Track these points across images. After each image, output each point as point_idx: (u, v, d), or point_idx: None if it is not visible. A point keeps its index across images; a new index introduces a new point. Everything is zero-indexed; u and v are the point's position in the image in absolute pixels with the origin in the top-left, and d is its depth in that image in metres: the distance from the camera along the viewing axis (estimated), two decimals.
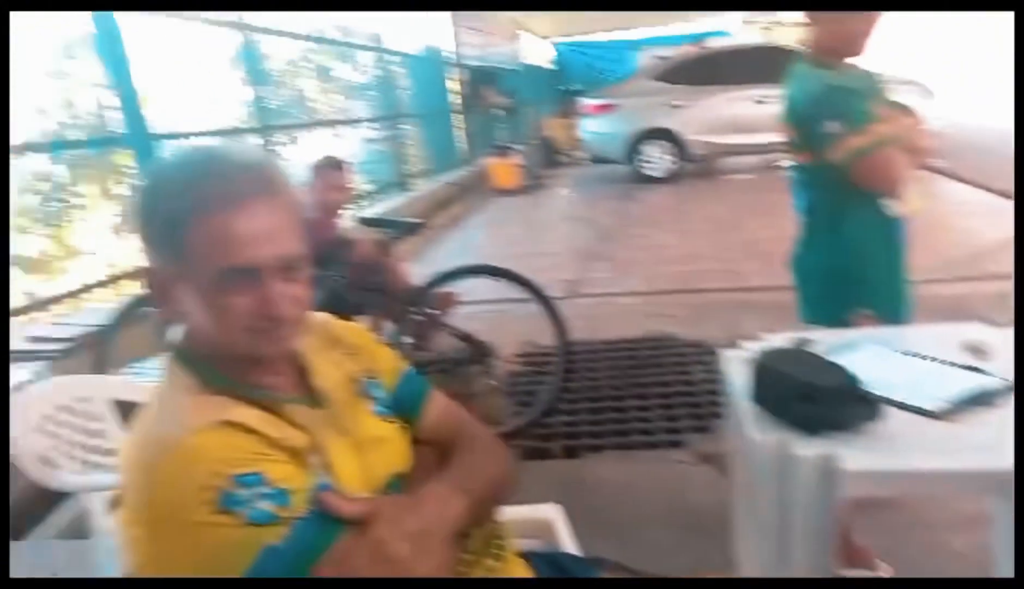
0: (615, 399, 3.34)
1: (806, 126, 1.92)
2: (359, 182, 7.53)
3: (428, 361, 3.11)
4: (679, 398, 3.28)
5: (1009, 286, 4.26)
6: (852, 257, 1.97)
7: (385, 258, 3.25)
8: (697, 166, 10.26)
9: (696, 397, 3.26)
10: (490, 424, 2.79)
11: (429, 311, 3.18)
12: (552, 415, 3.18)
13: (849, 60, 1.93)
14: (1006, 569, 1.82)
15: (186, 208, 0.85)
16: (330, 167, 3.34)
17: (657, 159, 9.75)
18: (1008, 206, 6.41)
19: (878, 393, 1.31)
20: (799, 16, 2.05)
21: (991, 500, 1.84)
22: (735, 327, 3.82)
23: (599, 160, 10.80)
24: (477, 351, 3.14)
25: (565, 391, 3.22)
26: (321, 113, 7.32)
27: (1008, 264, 4.75)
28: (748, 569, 1.60)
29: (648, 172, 9.79)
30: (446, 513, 0.91)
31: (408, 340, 3.19)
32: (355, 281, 3.17)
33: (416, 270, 3.81)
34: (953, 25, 12.93)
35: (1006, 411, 1.27)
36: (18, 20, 3.51)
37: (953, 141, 5.96)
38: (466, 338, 3.14)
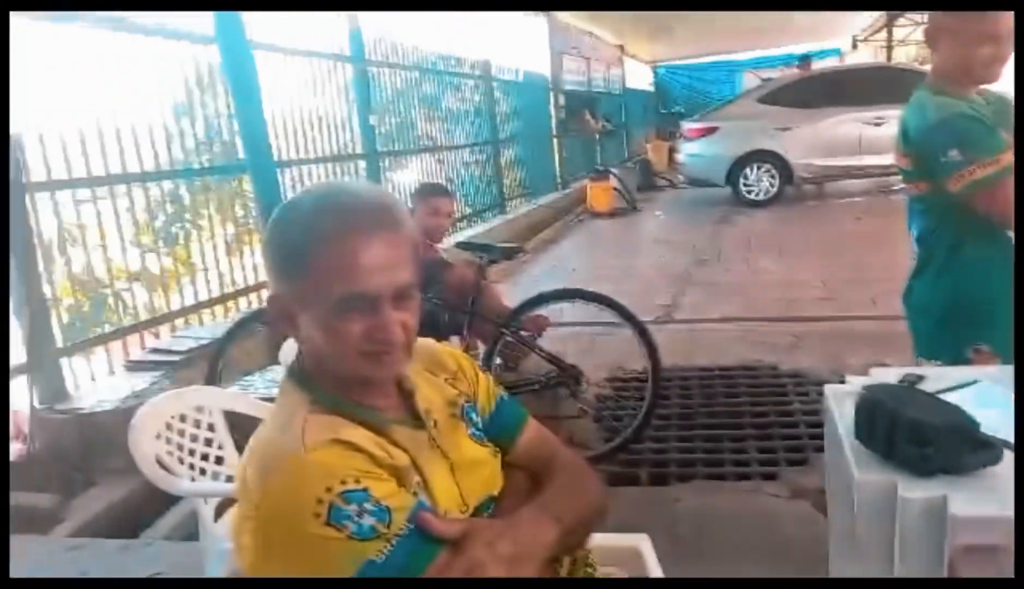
0: (707, 427, 3.26)
1: (924, 153, 1.84)
2: (458, 206, 7.71)
3: (518, 383, 3.13)
4: (775, 429, 3.16)
5: None
6: (970, 290, 1.86)
7: (480, 281, 3.31)
8: (800, 190, 9.90)
9: (794, 429, 3.13)
10: (578, 448, 2.79)
11: (521, 333, 3.22)
12: (641, 441, 3.13)
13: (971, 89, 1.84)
14: None
15: (315, 238, 0.92)
16: (433, 193, 3.45)
17: (759, 182, 9.49)
18: None
19: (997, 434, 1.22)
20: (918, 35, 1.97)
21: None
22: (838, 358, 3.66)
23: (697, 183, 10.62)
24: (567, 374, 3.14)
25: (655, 417, 3.17)
26: (426, 139, 7.57)
27: None
28: None
29: (749, 196, 9.53)
30: (539, 539, 0.93)
31: (499, 362, 3.23)
32: (450, 303, 3.24)
33: (510, 292, 3.86)
34: None
35: None
36: (150, 49, 3.84)
37: None
38: (556, 361, 3.15)
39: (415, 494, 0.93)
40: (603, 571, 1.11)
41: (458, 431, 1.06)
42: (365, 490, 0.86)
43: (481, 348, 3.28)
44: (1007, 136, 1.78)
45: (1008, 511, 1.11)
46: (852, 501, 1.27)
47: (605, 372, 3.85)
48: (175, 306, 4.06)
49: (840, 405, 1.47)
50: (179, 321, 4.04)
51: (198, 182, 4.45)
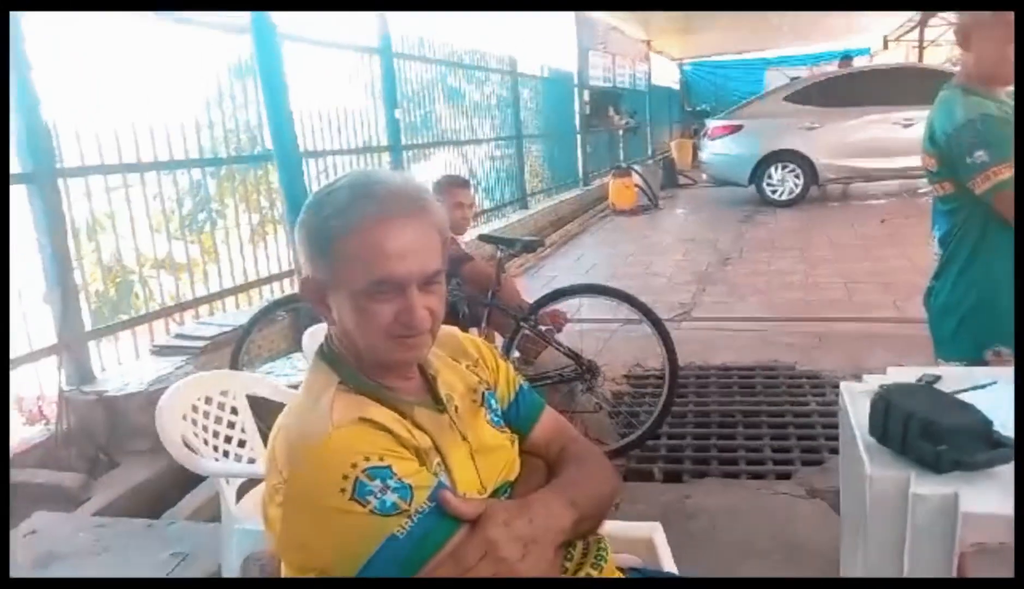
0: (723, 425, 3.26)
1: (950, 153, 1.84)
2: (480, 199, 7.74)
3: (535, 377, 3.15)
4: (792, 429, 3.15)
5: None
6: (991, 293, 1.86)
7: (500, 274, 3.33)
8: (824, 190, 9.80)
9: (810, 429, 3.13)
10: (593, 442, 2.81)
11: (539, 327, 3.23)
12: (657, 437, 3.14)
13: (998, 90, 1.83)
14: None
15: (347, 224, 0.95)
16: (454, 185, 3.47)
17: (783, 182, 9.41)
18: None
19: (1012, 434, 1.22)
20: (950, 36, 1.96)
21: None
22: (857, 359, 3.64)
23: (720, 182, 10.54)
24: (584, 369, 3.15)
25: (671, 414, 3.18)
26: (449, 133, 7.61)
27: None
28: None
29: (773, 195, 9.45)
30: (555, 523, 0.96)
31: (517, 355, 3.25)
32: (470, 295, 3.27)
33: (529, 286, 3.88)
34: None
35: None
36: (183, 37, 3.91)
37: None
38: (574, 356, 3.16)
39: (436, 474, 0.96)
40: (616, 559, 1.13)
41: (478, 416, 1.09)
42: (388, 467, 0.89)
43: (499, 341, 3.31)
44: None
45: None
46: (864, 497, 1.27)
47: (622, 368, 3.85)
48: (200, 293, 4.13)
49: (856, 402, 1.48)
50: (203, 308, 4.11)
51: (224, 171, 4.52)
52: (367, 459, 0.88)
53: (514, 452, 1.12)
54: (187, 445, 1.85)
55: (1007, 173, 1.72)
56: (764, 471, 2.85)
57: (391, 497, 0.87)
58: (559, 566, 0.99)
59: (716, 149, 9.98)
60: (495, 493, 1.05)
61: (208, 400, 2.00)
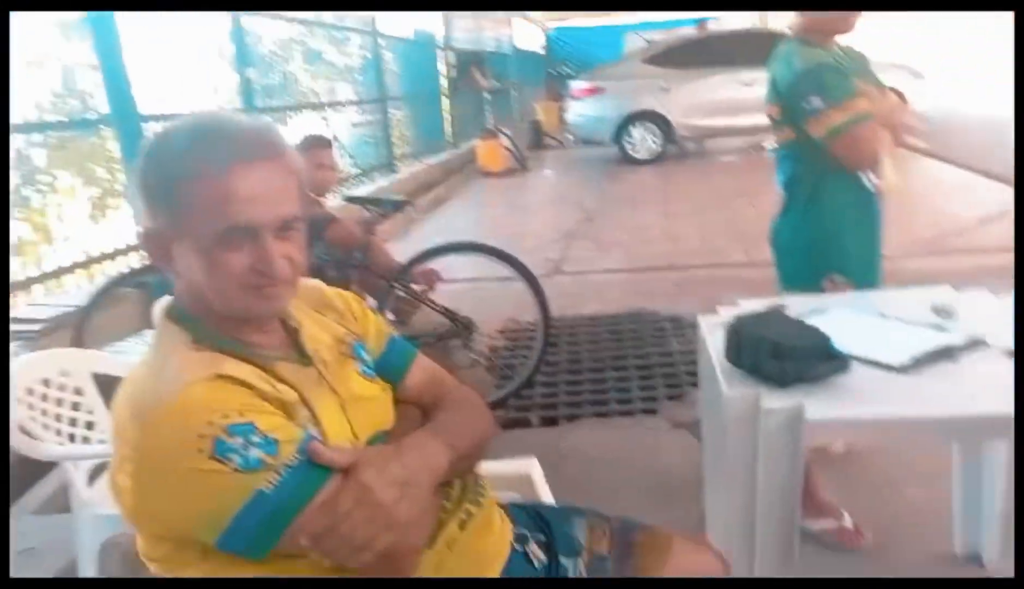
0: (594, 371, 3.39)
1: (789, 101, 1.95)
2: (345, 164, 7.49)
3: (411, 337, 3.12)
4: (657, 369, 3.33)
5: (981, 260, 4.34)
6: (829, 227, 2.01)
7: (368, 235, 3.25)
8: (682, 148, 10.29)
9: (673, 368, 3.31)
10: None
11: (412, 287, 3.20)
12: (532, 387, 3.22)
13: (838, 38, 1.97)
14: (961, 522, 1.88)
15: (191, 168, 0.87)
16: (315, 145, 3.33)
17: (643, 141, 9.78)
18: (985, 185, 6.50)
19: (847, 350, 1.34)
20: None
21: (951, 453, 1.90)
22: (714, 302, 3.84)
23: (586, 142, 10.82)
24: (459, 327, 3.16)
25: (545, 364, 3.26)
26: (309, 96, 7.26)
27: (980, 241, 4.83)
28: (717, 526, 1.64)
29: (634, 154, 9.81)
30: (431, 463, 0.94)
31: (391, 317, 3.20)
32: (337, 258, 3.17)
33: (400, 250, 3.82)
34: (942, 14, 13.06)
35: (966, 364, 1.31)
36: None
37: (938, 123, 6.04)
38: (448, 314, 3.16)
39: (305, 428, 0.91)
40: (495, 496, 1.14)
41: (347, 368, 1.05)
42: (250, 423, 0.84)
43: (371, 303, 3.24)
44: (860, 85, 1.92)
45: (854, 413, 1.23)
46: (722, 418, 1.36)
47: (497, 324, 3.90)
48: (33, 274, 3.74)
49: (712, 333, 1.58)
50: (40, 290, 3.73)
51: (55, 140, 4.09)
52: (226, 416, 0.83)
53: (387, 402, 1.10)
54: (24, 431, 1.68)
55: (841, 118, 1.85)
56: (632, 409, 3.00)
57: (255, 453, 0.83)
58: (438, 507, 0.99)
59: (580, 110, 10.20)
60: (370, 444, 1.02)
61: (47, 382, 1.82)
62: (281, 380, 0.94)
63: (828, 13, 1.93)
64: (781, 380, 1.28)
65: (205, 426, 0.82)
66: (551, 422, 2.99)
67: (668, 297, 4.23)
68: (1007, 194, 5.92)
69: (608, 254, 5.46)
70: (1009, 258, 4.35)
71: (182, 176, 0.88)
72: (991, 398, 1.21)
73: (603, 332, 3.83)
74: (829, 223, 2.01)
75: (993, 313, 1.53)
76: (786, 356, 1.28)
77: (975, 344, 1.37)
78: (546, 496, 1.38)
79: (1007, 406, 1.17)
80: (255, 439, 0.83)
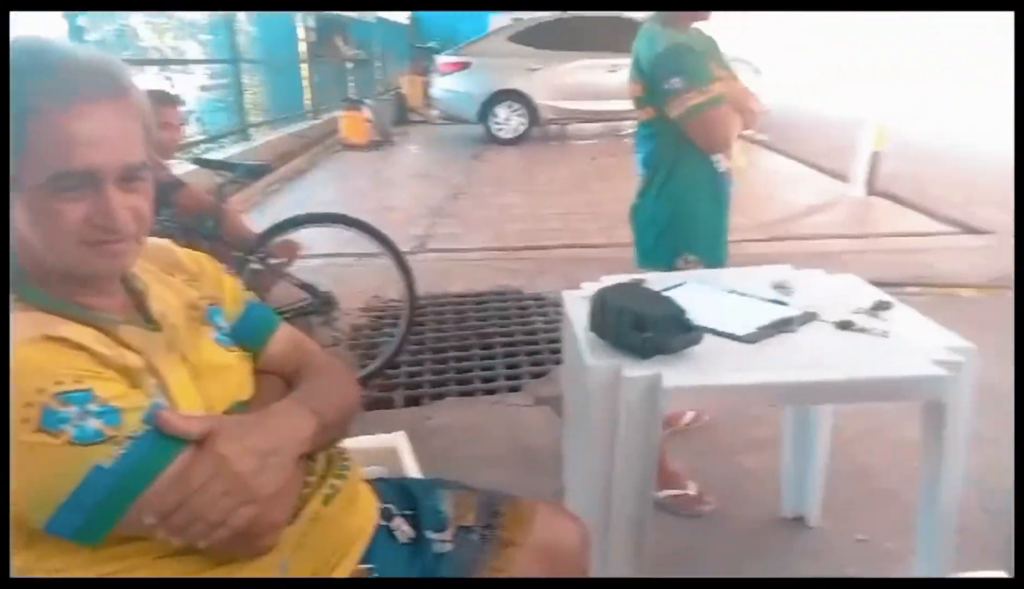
0: (459, 349, 3.39)
1: (650, 81, 2.03)
2: (194, 129, 6.99)
3: None
4: (520, 347, 3.38)
5: (812, 246, 4.77)
6: (684, 207, 2.12)
7: (219, 203, 3.04)
8: (545, 130, 10.48)
9: (536, 346, 3.39)
10: None
11: (270, 260, 3.04)
12: (396, 367, 3.17)
13: (688, 25, 2.06)
14: (789, 486, 2.07)
15: (19, 104, 0.77)
16: (159, 101, 3.05)
17: (508, 121, 9.85)
18: (816, 176, 7.14)
19: (699, 322, 1.42)
20: None
21: (782, 421, 2.08)
22: (574, 280, 3.97)
23: (451, 119, 10.73)
24: (320, 302, 3.04)
25: (410, 342, 3.22)
26: (151, 53, 6.68)
27: (813, 227, 5.32)
28: (576, 495, 1.70)
29: (499, 134, 9.86)
30: (296, 432, 0.89)
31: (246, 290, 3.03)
32: (186, 226, 2.95)
33: (257, 222, 3.62)
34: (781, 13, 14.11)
35: (801, 335, 1.44)
36: None
37: (776, 117, 6.55)
38: (309, 289, 3.03)
39: (152, 396, 0.84)
40: (363, 471, 1.11)
41: (200, 334, 0.98)
42: (88, 390, 0.76)
43: None
44: (716, 69, 2.04)
45: (706, 381, 1.31)
46: (585, 388, 1.40)
47: (360, 301, 3.81)
48: None
49: (575, 306, 1.62)
50: None
51: None
52: (58, 383, 0.75)
53: (245, 371, 1.03)
54: None
55: (698, 98, 1.95)
56: (497, 387, 3.03)
57: (93, 423, 0.75)
58: (301, 480, 0.94)
59: (445, 86, 10.10)
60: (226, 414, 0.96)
61: None
62: (125, 345, 0.86)
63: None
64: (642, 351, 1.34)
65: (33, 394, 0.74)
66: (415, 402, 2.96)
67: (531, 276, 4.31)
68: (835, 186, 6.52)
69: (474, 232, 5.48)
70: (835, 244, 4.83)
71: (13, 112, 0.77)
72: (823, 366, 1.33)
73: (469, 310, 3.84)
74: (684, 203, 2.12)
75: (825, 290, 1.68)
76: (647, 327, 1.33)
77: (810, 317, 1.50)
78: (412, 470, 1.37)
79: (836, 373, 1.30)
80: (92, 408, 0.76)
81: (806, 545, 2.00)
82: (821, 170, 7.29)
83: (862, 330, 1.44)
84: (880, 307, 1.54)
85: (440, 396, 2.99)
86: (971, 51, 12.85)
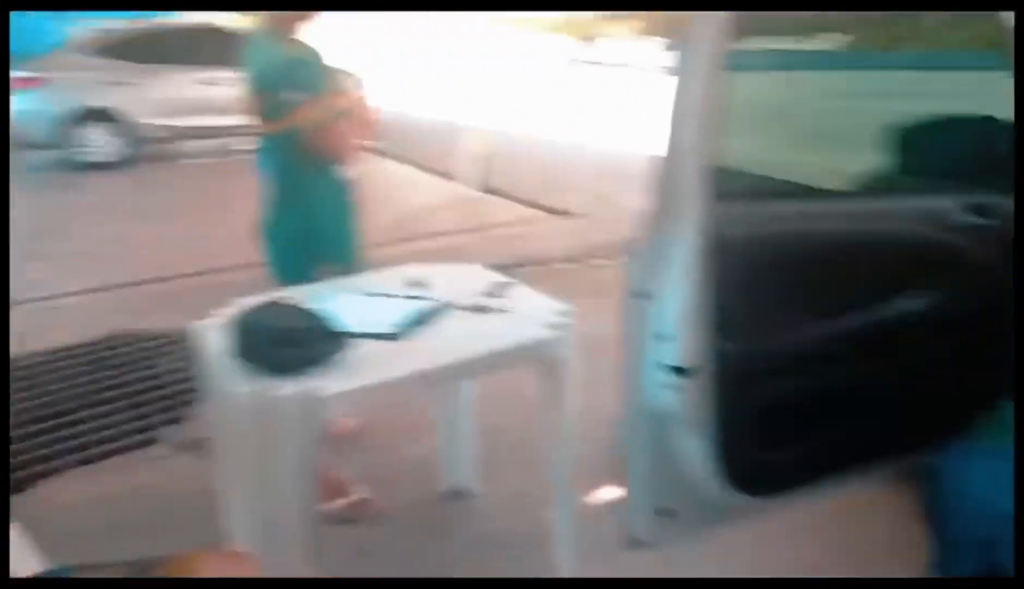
0: (69, 413, 2.88)
1: (268, 96, 1.97)
2: None
3: None
4: (147, 395, 3.02)
5: (440, 243, 5.14)
6: (314, 218, 2.11)
7: None
8: (153, 150, 9.45)
9: (164, 390, 3.05)
10: None
11: None
12: None
13: (295, 37, 2.05)
14: (445, 465, 2.23)
15: None
16: None
17: (101, 143, 8.64)
18: (431, 179, 7.67)
19: (345, 328, 1.43)
20: None
21: (434, 411, 2.22)
22: (207, 310, 3.65)
23: (30, 145, 8.97)
24: None
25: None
26: None
27: (425, 227, 5.69)
28: (242, 529, 1.58)
29: (90, 158, 8.59)
30: None
31: None
32: None
33: None
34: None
35: (439, 324, 1.54)
36: None
37: (388, 125, 6.85)
38: None
39: None
40: None
41: None
42: None
43: None
44: (330, 80, 2.06)
45: (361, 383, 1.33)
46: (236, 417, 1.31)
47: None
48: None
49: (211, 337, 1.50)
50: None
51: None
52: None
53: None
54: None
55: (318, 111, 1.95)
56: (126, 445, 2.66)
57: None
58: None
59: (17, 106, 8.41)
60: None
61: None
62: None
63: (277, 15, 2.03)
64: (289, 367, 1.30)
65: None
66: (20, 487, 2.41)
67: (155, 312, 3.85)
68: (447, 187, 7.08)
69: (74, 273, 4.70)
70: (457, 238, 5.26)
71: None
72: (462, 347, 1.45)
73: (76, 366, 3.28)
74: (314, 215, 2.11)
75: (455, 281, 1.82)
76: (289, 343, 1.30)
77: (445, 307, 1.61)
78: (35, 564, 1.13)
79: (469, 352, 1.42)
80: None
81: (473, 512, 2.16)
82: (434, 172, 7.84)
83: (489, 310, 1.60)
84: (501, 287, 1.73)
85: (56, 470, 2.51)
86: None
